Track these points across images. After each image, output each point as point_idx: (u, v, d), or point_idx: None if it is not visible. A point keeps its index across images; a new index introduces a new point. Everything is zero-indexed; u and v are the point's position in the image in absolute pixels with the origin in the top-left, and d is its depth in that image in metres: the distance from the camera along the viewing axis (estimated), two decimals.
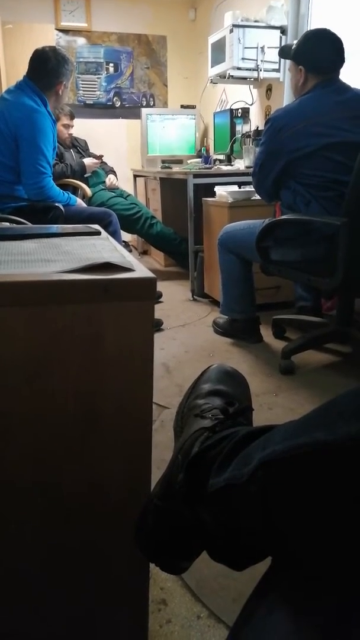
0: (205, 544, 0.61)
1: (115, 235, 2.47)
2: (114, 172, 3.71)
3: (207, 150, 4.21)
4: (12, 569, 0.72)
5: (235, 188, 2.74)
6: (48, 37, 4.10)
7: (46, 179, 2.33)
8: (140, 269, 0.69)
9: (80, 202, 2.62)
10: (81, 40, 4.41)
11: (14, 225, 1.24)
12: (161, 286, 3.13)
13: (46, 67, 2.30)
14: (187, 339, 2.36)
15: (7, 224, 1.27)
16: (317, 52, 1.91)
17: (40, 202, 2.36)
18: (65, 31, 4.32)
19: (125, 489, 0.73)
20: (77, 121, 3.66)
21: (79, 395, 0.67)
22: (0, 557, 0.72)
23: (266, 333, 2.34)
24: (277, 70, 3.14)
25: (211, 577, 1.00)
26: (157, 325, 2.46)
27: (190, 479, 0.62)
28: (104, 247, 0.84)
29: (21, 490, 0.69)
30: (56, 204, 2.34)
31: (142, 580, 0.80)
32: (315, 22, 3.03)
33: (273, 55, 3.09)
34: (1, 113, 2.29)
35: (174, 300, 2.99)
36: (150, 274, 0.67)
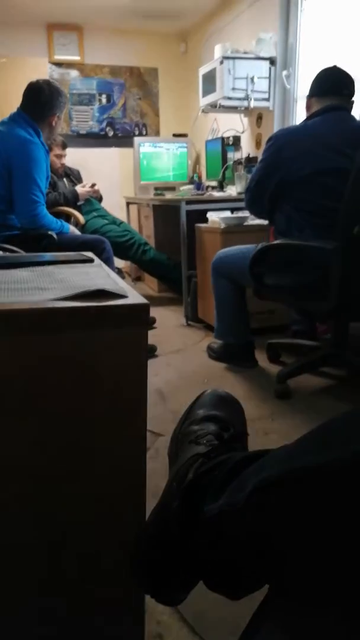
0: (202, 573, 0.60)
1: (108, 262, 2.49)
2: (100, 199, 3.73)
3: (200, 177, 4.28)
4: (5, 596, 0.71)
5: (227, 214, 2.78)
6: (41, 70, 4.21)
7: (39, 208, 2.36)
8: (134, 295, 0.70)
9: (73, 230, 2.65)
10: (74, 73, 4.52)
11: (7, 253, 1.25)
12: (155, 312, 3.14)
13: (40, 100, 2.35)
14: (181, 365, 2.35)
15: (0, 253, 1.28)
16: (320, 78, 1.98)
17: (33, 231, 2.38)
18: (58, 64, 4.43)
19: (119, 518, 0.72)
20: (71, 150, 3.72)
21: (72, 422, 0.66)
22: None
23: (261, 357, 2.34)
24: (267, 100, 3.23)
25: (208, 609, 0.97)
26: (151, 352, 2.46)
27: (185, 506, 0.61)
28: (97, 274, 0.85)
29: (11, 521, 0.68)
30: (49, 232, 2.36)
31: (138, 614, 0.78)
32: (303, 53, 3.12)
33: (263, 85, 3.18)
34: None
35: (168, 326, 3.00)
36: (143, 300, 0.67)
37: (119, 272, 4.01)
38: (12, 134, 2.31)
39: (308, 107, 2.02)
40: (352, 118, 1.96)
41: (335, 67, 2.00)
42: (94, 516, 0.71)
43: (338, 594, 0.41)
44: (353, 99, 1.98)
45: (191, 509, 0.60)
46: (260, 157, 2.03)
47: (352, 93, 1.97)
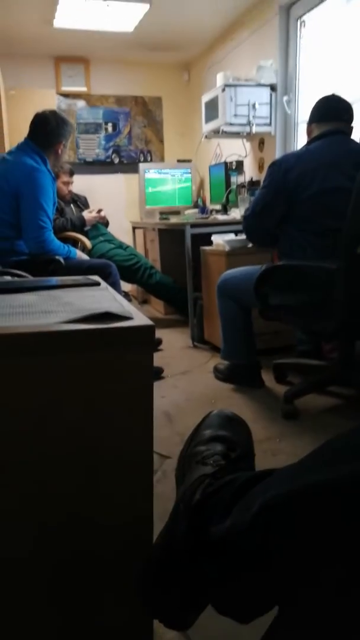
0: (210, 596, 0.59)
1: (115, 285, 2.51)
2: (107, 224, 3.79)
3: (204, 201, 4.34)
4: (10, 620, 0.70)
5: (232, 236, 2.81)
6: (49, 101, 4.32)
7: (47, 233, 2.40)
8: (140, 317, 0.71)
9: (80, 255, 2.68)
10: (81, 103, 4.64)
11: (15, 278, 1.27)
12: (161, 334, 3.15)
13: (46, 129, 2.41)
14: (188, 386, 2.35)
15: (8, 277, 1.30)
16: (319, 105, 2.04)
17: (41, 256, 2.42)
18: (66, 95, 4.56)
19: (127, 542, 0.71)
20: (78, 177, 3.80)
21: (79, 444, 0.67)
22: None
23: (267, 378, 2.34)
24: (269, 125, 3.29)
25: (217, 635, 0.95)
26: (158, 374, 2.46)
27: (192, 527, 0.61)
28: (104, 298, 0.86)
29: (20, 539, 0.67)
30: (56, 257, 2.39)
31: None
32: (303, 79, 3.20)
33: (264, 110, 3.25)
34: (3, 173, 2.39)
35: (175, 348, 3.00)
36: (148, 322, 0.68)
37: (126, 295, 4.04)
38: (19, 163, 2.37)
39: (309, 133, 2.07)
40: (353, 141, 2.00)
41: (333, 94, 2.06)
42: (101, 539, 0.70)
43: (349, 612, 0.41)
44: (352, 124, 2.03)
45: (198, 530, 0.60)
46: (263, 183, 2.05)
47: (350, 118, 2.02)
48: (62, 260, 2.37)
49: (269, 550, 0.48)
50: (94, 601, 0.72)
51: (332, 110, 2.00)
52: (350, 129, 2.02)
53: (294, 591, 0.46)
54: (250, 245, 2.72)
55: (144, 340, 0.68)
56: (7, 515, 0.66)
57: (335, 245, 1.81)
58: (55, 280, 1.07)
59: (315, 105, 2.05)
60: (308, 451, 0.51)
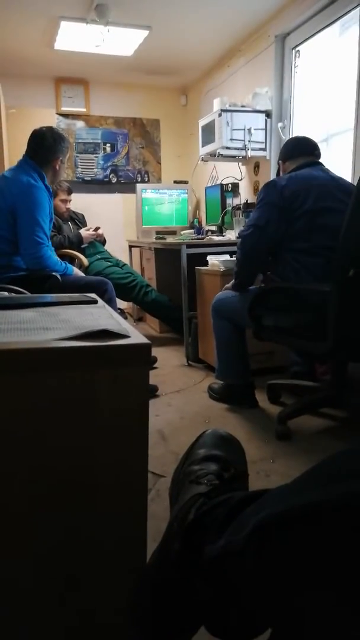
0: (203, 616, 0.59)
1: (111, 302, 2.52)
2: (104, 242, 3.82)
3: (200, 222, 4.39)
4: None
5: (227, 257, 2.84)
6: (49, 120, 4.39)
7: (44, 249, 2.41)
8: (136, 335, 0.72)
9: (77, 272, 2.69)
10: (80, 124, 4.71)
11: (13, 294, 1.28)
12: (156, 352, 3.15)
13: (43, 145, 2.45)
14: (182, 405, 2.34)
15: (6, 294, 1.31)
16: (291, 144, 2.21)
17: (38, 272, 2.42)
18: (65, 115, 4.63)
19: (120, 561, 0.71)
20: (76, 196, 3.84)
21: (73, 461, 0.67)
22: None
23: (261, 398, 2.34)
24: (264, 149, 3.36)
25: None
26: (153, 392, 2.46)
27: (186, 547, 0.61)
28: (101, 315, 0.87)
29: (14, 558, 0.67)
30: (53, 273, 2.40)
31: None
32: (297, 105, 3.27)
33: (259, 136, 3.32)
34: (0, 190, 2.41)
35: (169, 366, 3.00)
36: (145, 340, 0.69)
37: (122, 313, 4.05)
38: (16, 180, 2.39)
39: (284, 170, 2.16)
40: (330, 171, 2.09)
41: (302, 135, 2.23)
42: (94, 557, 0.70)
43: (345, 632, 0.41)
44: (321, 160, 2.16)
45: (192, 550, 0.60)
46: (258, 203, 2.08)
47: (319, 155, 2.17)
48: (58, 277, 2.38)
49: (263, 569, 0.48)
50: (86, 620, 0.72)
51: (305, 147, 2.15)
52: (321, 164, 2.13)
53: (287, 613, 0.46)
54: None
55: (140, 358, 0.68)
56: (1, 531, 0.66)
57: (328, 266, 1.84)
58: (53, 297, 1.07)
59: (286, 144, 2.21)
60: (301, 472, 0.51)
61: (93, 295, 1.11)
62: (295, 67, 3.26)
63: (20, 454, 0.65)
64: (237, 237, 2.27)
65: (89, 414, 0.66)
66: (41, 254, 2.40)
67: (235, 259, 2.23)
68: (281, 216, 1.96)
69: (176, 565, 0.62)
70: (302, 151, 2.13)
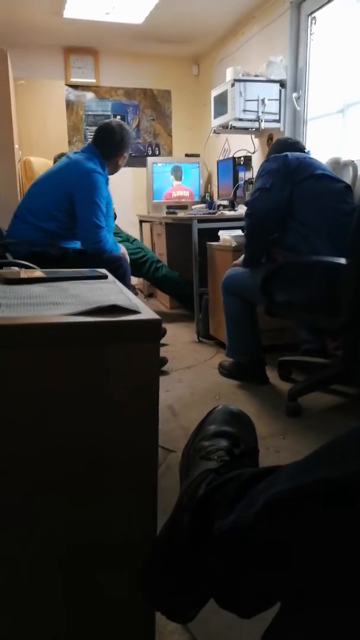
0: (212, 589, 0.60)
1: (125, 278, 2.52)
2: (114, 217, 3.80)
3: (211, 196, 4.32)
4: (11, 613, 0.71)
5: (238, 232, 2.80)
6: (58, 92, 4.31)
7: (102, 232, 2.46)
8: (146, 311, 0.71)
9: (124, 250, 2.69)
10: (90, 95, 4.62)
11: (23, 269, 1.28)
12: (167, 328, 3.15)
13: (111, 140, 2.53)
14: (192, 381, 2.35)
15: (16, 269, 1.30)
16: (280, 142, 2.34)
17: (58, 248, 2.47)
18: (74, 86, 4.54)
19: (131, 533, 0.72)
20: None
21: (84, 436, 0.67)
22: None
23: (272, 375, 2.33)
24: (278, 121, 3.27)
25: (219, 629, 0.96)
26: (162, 363, 2.46)
27: (196, 522, 0.61)
28: (111, 290, 0.86)
29: (23, 532, 0.68)
30: (70, 248, 2.48)
31: (148, 634, 0.78)
32: (313, 75, 3.17)
33: (273, 106, 3.23)
34: (62, 169, 2.47)
35: (180, 342, 3.00)
36: (155, 316, 0.69)
37: (132, 288, 4.05)
38: (78, 163, 2.45)
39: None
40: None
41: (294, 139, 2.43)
42: (104, 531, 0.71)
43: (354, 609, 0.41)
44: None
45: (202, 525, 0.60)
46: (260, 174, 2.10)
47: (309, 153, 2.28)
48: (73, 254, 2.44)
49: (272, 546, 0.48)
50: (97, 591, 0.73)
51: (294, 144, 2.27)
52: None
53: (297, 587, 0.46)
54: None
55: (150, 334, 0.68)
56: (10, 507, 0.67)
57: (337, 228, 1.86)
58: (64, 272, 1.07)
59: (277, 142, 2.34)
60: (311, 448, 0.51)
61: (103, 271, 1.10)
62: (311, 34, 3.15)
63: (30, 429, 0.65)
64: (245, 202, 2.26)
65: (99, 389, 0.66)
66: (100, 238, 2.45)
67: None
68: (286, 180, 1.99)
69: (186, 539, 0.62)
70: (294, 148, 2.21)
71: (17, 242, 2.43)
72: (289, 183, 1.98)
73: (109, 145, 2.52)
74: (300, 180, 1.98)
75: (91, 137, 4.67)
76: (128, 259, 2.61)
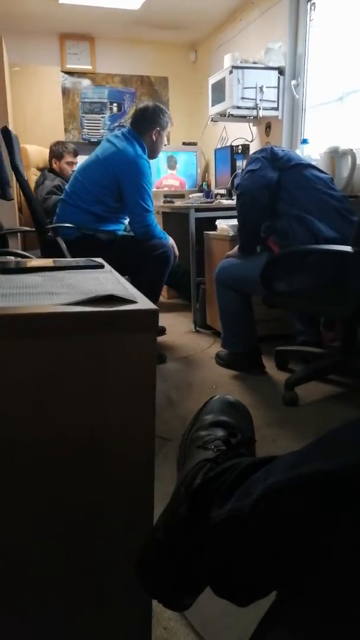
0: (209, 578, 0.60)
1: (165, 265, 2.54)
2: None
3: (209, 185, 4.30)
4: (9, 602, 0.71)
5: (235, 222, 2.79)
6: (54, 79, 4.26)
7: (150, 216, 2.53)
8: (143, 301, 0.70)
9: (172, 241, 2.70)
10: (86, 82, 4.57)
11: (19, 259, 1.27)
12: (164, 318, 3.15)
13: (144, 116, 2.62)
14: (190, 371, 2.35)
15: (12, 258, 1.29)
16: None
17: (105, 232, 2.56)
18: (70, 73, 4.49)
19: (128, 522, 0.72)
20: (82, 158, 3.75)
21: (81, 426, 0.67)
22: None
23: (269, 365, 2.34)
24: (276, 109, 3.24)
25: (215, 616, 0.97)
26: (161, 357, 2.47)
27: (192, 511, 0.61)
28: (107, 280, 0.86)
29: (21, 520, 0.68)
30: (115, 233, 2.57)
31: (145, 620, 0.78)
32: (312, 62, 3.14)
33: (272, 94, 3.20)
34: (108, 158, 2.52)
35: (177, 332, 3.00)
36: (152, 306, 0.68)
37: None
38: (124, 150, 2.52)
39: None
40: None
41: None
42: (101, 520, 0.71)
43: (347, 601, 0.41)
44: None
45: (199, 514, 0.60)
46: (251, 159, 2.14)
47: None
48: (120, 237, 2.55)
49: (269, 536, 0.48)
50: (93, 580, 0.73)
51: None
52: None
53: (294, 576, 0.46)
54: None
55: (147, 324, 0.67)
56: (8, 494, 0.67)
57: (331, 211, 1.92)
58: (60, 261, 1.06)
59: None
60: (308, 437, 0.51)
61: (100, 260, 1.09)
62: (310, 20, 3.11)
63: (26, 419, 0.65)
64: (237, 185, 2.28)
65: (96, 379, 0.66)
66: (148, 222, 2.52)
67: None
68: (274, 166, 2.06)
69: (182, 529, 0.62)
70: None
71: (67, 225, 2.52)
72: (277, 169, 2.04)
73: (142, 122, 2.60)
74: (288, 168, 2.03)
75: (87, 124, 4.65)
76: (176, 251, 2.65)
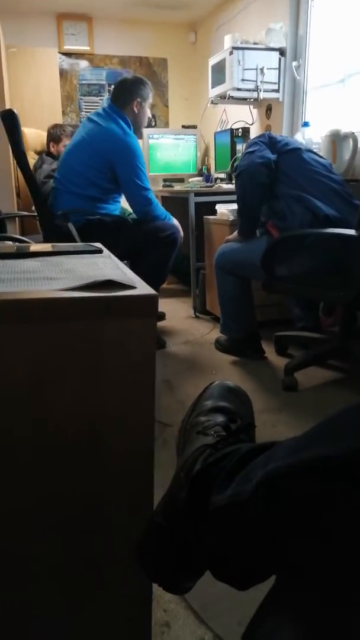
0: (209, 562, 0.60)
1: (173, 247, 2.50)
2: None
3: (208, 169, 4.25)
4: (9, 591, 0.71)
5: (236, 206, 2.77)
6: (51, 60, 4.19)
7: (149, 194, 2.48)
8: (142, 286, 0.70)
9: (175, 221, 2.66)
10: (84, 63, 4.50)
11: (17, 244, 1.26)
12: (164, 303, 3.14)
13: (123, 87, 2.55)
14: (189, 356, 2.35)
15: (10, 243, 1.28)
16: None
17: (110, 217, 2.52)
18: (68, 54, 4.41)
19: (127, 508, 0.72)
20: None
21: (80, 412, 0.67)
22: None
23: (269, 350, 2.34)
24: (277, 91, 3.19)
25: (215, 599, 0.98)
26: (161, 345, 2.47)
27: (192, 496, 0.62)
28: (106, 265, 0.85)
29: (20, 510, 0.68)
30: (124, 218, 2.51)
31: (145, 602, 0.79)
32: (314, 43, 3.09)
33: (272, 76, 3.15)
34: (95, 138, 2.46)
35: (177, 318, 3.00)
36: (151, 291, 0.67)
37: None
38: (108, 131, 2.46)
39: None
40: None
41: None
42: (100, 505, 0.71)
43: (346, 584, 0.41)
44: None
45: (198, 500, 0.60)
46: (248, 146, 2.14)
47: None
48: (130, 221, 2.48)
49: (268, 521, 0.48)
50: (94, 564, 0.74)
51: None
52: None
53: (293, 561, 0.47)
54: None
55: (146, 309, 0.67)
56: (5, 483, 0.67)
57: (330, 192, 1.93)
58: (58, 246, 1.05)
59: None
60: (307, 422, 0.50)
61: (98, 245, 1.08)
62: (312, 0, 3.05)
63: (23, 406, 0.64)
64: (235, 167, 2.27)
65: (95, 365, 0.66)
66: (148, 201, 2.47)
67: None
68: (272, 149, 2.06)
69: (182, 514, 0.62)
70: None
71: (76, 210, 2.46)
72: (275, 152, 2.05)
73: (121, 95, 2.55)
74: (286, 152, 2.04)
75: (86, 107, 4.58)
76: (182, 233, 2.60)
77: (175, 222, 2.63)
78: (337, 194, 1.95)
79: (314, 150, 2.15)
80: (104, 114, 2.55)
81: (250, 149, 2.09)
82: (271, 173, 2.01)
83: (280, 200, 2.00)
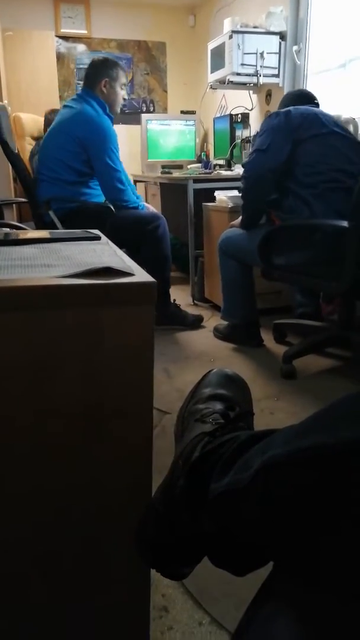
0: (206, 549, 0.61)
1: (163, 239, 2.50)
2: None
3: (207, 156, 4.22)
4: (8, 575, 0.72)
5: (235, 193, 2.75)
6: (48, 43, 4.12)
7: (119, 175, 2.45)
8: (141, 274, 0.69)
9: (148, 206, 2.65)
10: (81, 47, 4.43)
11: (14, 230, 1.25)
12: None
13: (91, 69, 2.56)
14: (187, 344, 2.35)
15: (7, 230, 1.27)
16: (292, 94, 2.24)
17: (93, 204, 2.49)
18: (65, 38, 4.35)
19: (126, 494, 0.72)
20: None
21: (79, 399, 0.67)
22: None
23: (267, 338, 2.34)
24: (277, 76, 3.16)
25: (213, 584, 0.99)
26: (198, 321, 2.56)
27: (190, 484, 0.62)
28: (104, 252, 0.84)
29: (20, 496, 0.68)
30: (107, 206, 2.46)
31: (143, 587, 0.80)
32: (314, 27, 3.04)
33: (272, 60, 3.11)
34: (69, 121, 2.45)
35: None
36: (150, 278, 0.67)
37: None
38: (81, 112, 2.46)
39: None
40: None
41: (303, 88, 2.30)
42: (99, 492, 0.71)
43: (344, 573, 0.41)
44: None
45: (197, 487, 0.61)
46: (261, 131, 2.02)
47: (319, 105, 2.16)
48: (112, 209, 2.43)
49: (267, 509, 0.48)
50: (93, 549, 0.74)
51: (306, 97, 2.15)
52: None
53: (290, 548, 0.47)
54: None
55: (144, 297, 0.66)
56: (4, 470, 0.67)
57: (344, 192, 1.80)
58: (55, 233, 1.04)
59: (287, 95, 2.23)
60: (305, 410, 0.50)
61: (96, 232, 1.07)
62: None
63: (22, 394, 0.64)
64: (243, 164, 2.21)
65: (94, 352, 0.65)
66: (119, 185, 2.45)
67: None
68: (287, 139, 1.90)
69: (181, 501, 0.62)
70: (305, 100, 2.11)
71: (59, 198, 2.44)
72: (289, 142, 1.90)
73: (90, 76, 2.54)
74: (303, 140, 1.89)
75: None
76: (163, 218, 2.58)
77: (152, 208, 2.62)
78: (348, 191, 1.80)
79: (339, 129, 1.95)
80: (77, 97, 2.56)
81: (261, 144, 1.96)
82: (279, 175, 1.94)
83: (289, 198, 1.94)
